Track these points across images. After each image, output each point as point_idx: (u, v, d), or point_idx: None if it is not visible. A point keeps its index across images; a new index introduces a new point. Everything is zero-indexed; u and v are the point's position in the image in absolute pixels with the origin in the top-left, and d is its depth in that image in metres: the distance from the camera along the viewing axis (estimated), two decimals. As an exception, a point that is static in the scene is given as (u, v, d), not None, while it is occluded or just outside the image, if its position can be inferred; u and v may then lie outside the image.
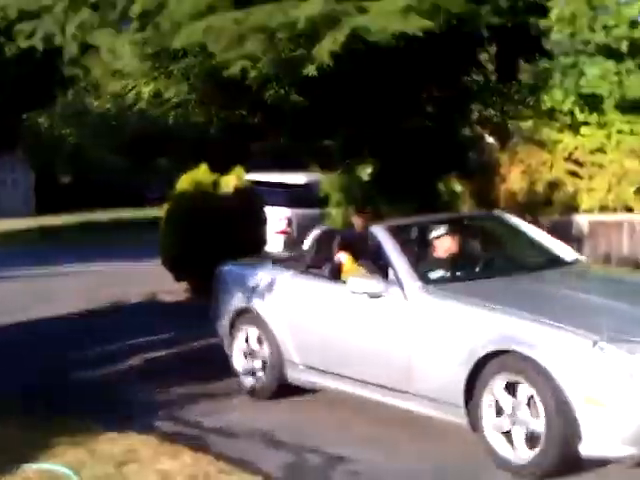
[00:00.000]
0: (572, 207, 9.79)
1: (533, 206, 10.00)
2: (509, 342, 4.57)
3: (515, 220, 6.29)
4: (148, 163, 25.29)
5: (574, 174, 9.95)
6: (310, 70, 7.17)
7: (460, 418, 4.78)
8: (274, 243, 11.40)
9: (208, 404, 5.95)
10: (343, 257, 5.98)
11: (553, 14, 8.79)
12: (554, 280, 5.60)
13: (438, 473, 4.65)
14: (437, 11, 7.18)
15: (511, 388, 4.57)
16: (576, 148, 9.90)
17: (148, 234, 11.70)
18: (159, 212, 11.16)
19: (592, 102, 9.67)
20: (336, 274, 5.85)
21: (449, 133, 9.27)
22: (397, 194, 9.46)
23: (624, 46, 8.95)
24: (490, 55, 9.53)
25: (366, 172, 9.52)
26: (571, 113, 9.84)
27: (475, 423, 4.71)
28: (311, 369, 5.79)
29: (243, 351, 6.28)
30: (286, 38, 7.26)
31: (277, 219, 11.68)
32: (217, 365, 6.77)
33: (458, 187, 10.51)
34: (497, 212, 6.88)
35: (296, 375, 5.90)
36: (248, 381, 6.20)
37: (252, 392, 6.16)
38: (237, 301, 6.35)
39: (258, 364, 6.14)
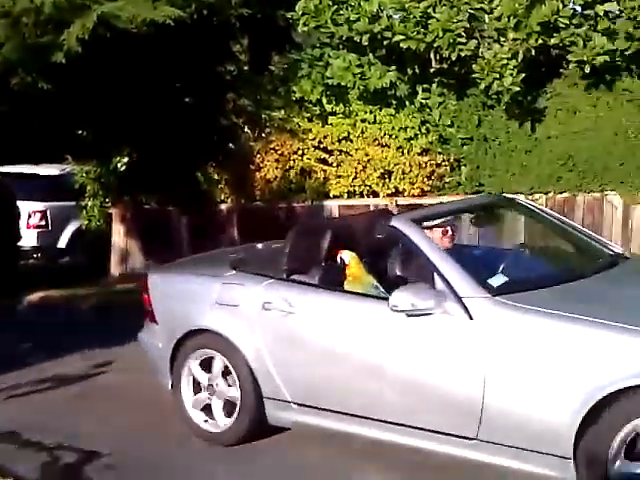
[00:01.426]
0: (323, 193, 10.32)
1: (287, 193, 10.44)
2: None
3: (534, 205, 5.16)
4: None
5: (324, 161, 10.50)
6: (58, 57, 7.01)
7: (562, 472, 3.68)
8: (28, 238, 10.93)
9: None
10: (347, 256, 4.63)
11: (298, 7, 9.17)
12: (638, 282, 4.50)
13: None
14: (188, 0, 7.31)
15: None
16: (325, 137, 10.43)
17: None
18: None
19: (338, 93, 10.22)
20: (337, 281, 4.55)
21: (206, 123, 9.40)
22: (155, 183, 9.46)
23: (365, 39, 9.46)
24: (243, 46, 9.78)
25: (122, 161, 9.41)
26: (319, 103, 10.37)
27: None
28: (312, 408, 4.46)
29: (196, 386, 4.90)
30: (32, 23, 7.03)
31: (30, 213, 11.21)
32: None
33: (216, 175, 10.71)
34: (511, 196, 5.64)
35: (284, 415, 4.57)
36: (205, 424, 4.84)
37: (211, 436, 4.81)
38: (187, 320, 4.87)
39: (220, 402, 4.80)
